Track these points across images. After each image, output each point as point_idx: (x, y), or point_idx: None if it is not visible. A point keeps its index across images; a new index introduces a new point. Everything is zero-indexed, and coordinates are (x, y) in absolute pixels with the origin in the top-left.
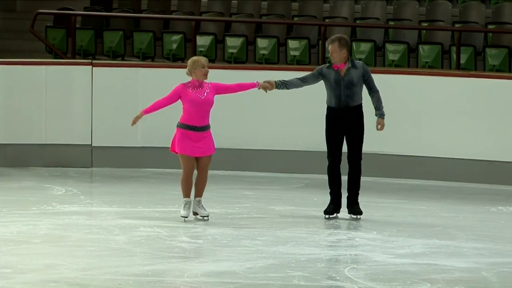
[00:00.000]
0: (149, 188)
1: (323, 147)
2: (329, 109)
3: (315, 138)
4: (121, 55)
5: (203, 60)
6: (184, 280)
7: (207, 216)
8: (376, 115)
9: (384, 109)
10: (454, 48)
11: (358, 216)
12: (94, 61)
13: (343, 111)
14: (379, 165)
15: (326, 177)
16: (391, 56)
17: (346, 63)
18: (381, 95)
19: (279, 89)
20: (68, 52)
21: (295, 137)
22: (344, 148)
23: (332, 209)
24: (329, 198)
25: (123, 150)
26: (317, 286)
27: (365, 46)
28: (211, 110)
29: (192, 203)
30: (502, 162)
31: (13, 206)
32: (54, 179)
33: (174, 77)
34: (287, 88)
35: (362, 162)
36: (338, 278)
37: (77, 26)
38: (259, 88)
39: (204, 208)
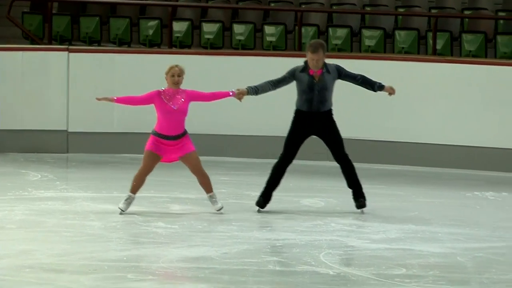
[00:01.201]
0: (125, 173)
1: None
2: (298, 112)
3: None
4: (97, 41)
5: (176, 69)
6: (159, 265)
7: (221, 208)
8: (378, 89)
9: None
10: (430, 34)
11: (361, 209)
12: (70, 47)
13: (313, 115)
14: (355, 151)
15: (302, 162)
16: (368, 42)
17: (322, 68)
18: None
19: (250, 95)
20: (45, 38)
21: (271, 123)
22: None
23: (264, 201)
24: (260, 192)
25: (99, 135)
26: (292, 271)
27: (342, 32)
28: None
29: (133, 200)
30: (478, 147)
31: None
32: (29, 164)
33: (150, 62)
34: (257, 94)
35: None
36: (313, 263)
37: (53, 12)
38: (234, 96)
39: (217, 202)
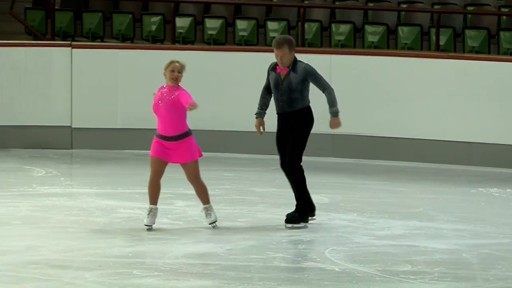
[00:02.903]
0: (129, 169)
1: None
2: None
3: None
4: (100, 36)
5: (177, 64)
6: (164, 261)
7: (213, 222)
8: (330, 113)
9: (338, 106)
10: (433, 30)
11: (287, 225)
12: (73, 43)
13: (283, 116)
14: (359, 147)
15: (306, 158)
16: (371, 38)
17: (289, 66)
18: (335, 92)
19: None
20: (48, 34)
21: (273, 119)
22: None
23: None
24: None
25: (103, 131)
26: (298, 267)
27: (344, 28)
28: (184, 116)
29: (157, 210)
30: (481, 143)
31: None
32: (34, 160)
33: (153, 58)
34: (266, 109)
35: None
36: (318, 259)
37: (56, 7)
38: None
39: (211, 215)
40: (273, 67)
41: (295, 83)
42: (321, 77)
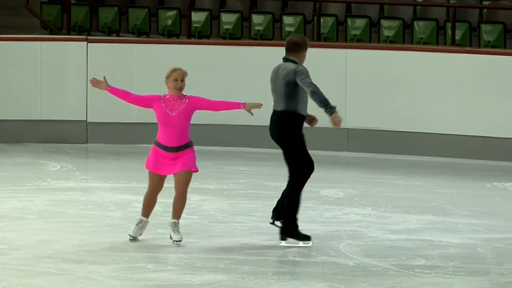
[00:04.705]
0: (144, 164)
1: (320, 123)
2: (299, 116)
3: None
4: (116, 31)
5: (180, 72)
6: (179, 256)
7: (179, 241)
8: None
9: None
10: (449, 24)
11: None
12: (89, 37)
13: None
14: (374, 141)
15: (321, 153)
16: (386, 32)
17: None
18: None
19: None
20: (63, 28)
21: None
22: None
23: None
24: (297, 224)
25: (118, 126)
26: (312, 262)
27: (360, 22)
28: (189, 125)
29: (147, 224)
30: (497, 138)
31: (8, 182)
32: (49, 155)
33: (169, 53)
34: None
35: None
36: (333, 254)
37: (72, 2)
38: (244, 109)
39: (178, 232)
40: None
41: None
42: None
